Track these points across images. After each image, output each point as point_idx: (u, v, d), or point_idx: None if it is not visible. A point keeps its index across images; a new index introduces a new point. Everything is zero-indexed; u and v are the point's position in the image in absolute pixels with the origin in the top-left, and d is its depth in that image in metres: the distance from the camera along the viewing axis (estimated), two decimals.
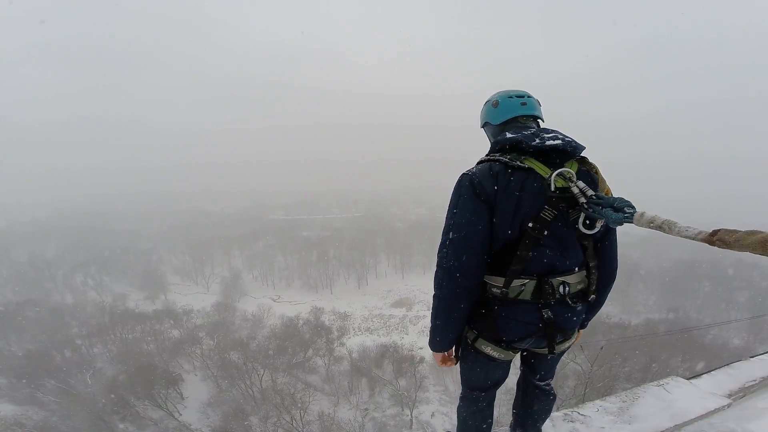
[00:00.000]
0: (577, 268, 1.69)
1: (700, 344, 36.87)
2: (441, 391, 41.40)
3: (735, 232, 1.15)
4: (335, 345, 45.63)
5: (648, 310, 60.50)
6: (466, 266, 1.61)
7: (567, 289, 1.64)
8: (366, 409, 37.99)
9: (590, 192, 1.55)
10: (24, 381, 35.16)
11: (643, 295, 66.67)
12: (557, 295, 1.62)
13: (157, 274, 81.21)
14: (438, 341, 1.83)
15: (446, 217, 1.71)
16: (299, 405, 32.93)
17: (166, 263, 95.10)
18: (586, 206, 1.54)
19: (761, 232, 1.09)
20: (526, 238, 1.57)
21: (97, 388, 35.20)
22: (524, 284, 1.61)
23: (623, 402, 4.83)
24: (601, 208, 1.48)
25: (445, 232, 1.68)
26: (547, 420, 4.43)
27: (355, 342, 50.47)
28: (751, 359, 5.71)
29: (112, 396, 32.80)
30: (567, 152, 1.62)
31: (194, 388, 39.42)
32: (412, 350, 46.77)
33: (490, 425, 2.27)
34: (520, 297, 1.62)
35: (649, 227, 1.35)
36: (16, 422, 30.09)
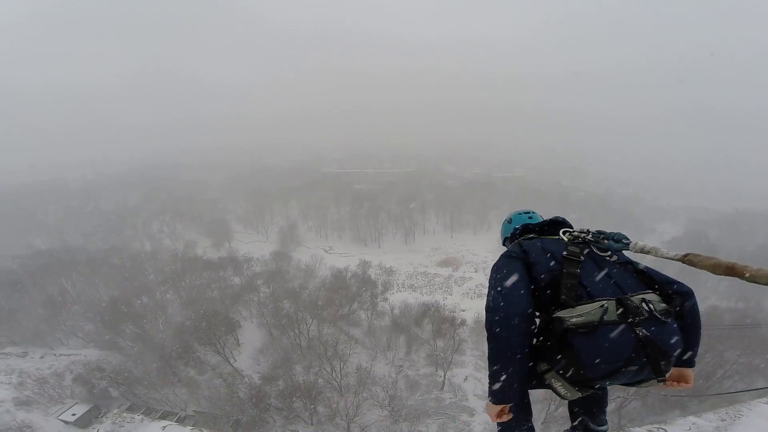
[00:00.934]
0: (644, 289, 1.79)
1: (763, 340, 32.61)
2: (478, 356, 41.59)
3: (698, 255, 1.57)
4: (379, 300, 47.07)
5: (716, 296, 55.25)
6: (518, 310, 1.82)
7: (651, 305, 1.65)
8: (401, 366, 39.46)
9: (592, 232, 2.10)
10: (108, 327, 39.85)
11: (713, 279, 57.76)
12: (644, 313, 1.62)
13: (222, 222, 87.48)
14: (504, 390, 1.83)
15: (490, 282, 2.03)
16: (340, 357, 35.17)
17: (230, 212, 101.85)
18: (593, 241, 2.04)
19: (716, 259, 1.50)
20: (565, 268, 1.85)
21: (168, 334, 39.47)
22: (603, 305, 1.65)
23: (722, 421, 3.86)
24: (605, 241, 1.99)
25: (493, 287, 1.97)
26: None
27: (397, 298, 51.68)
28: None
29: (179, 342, 36.60)
30: (558, 223, 2.39)
31: (250, 334, 43.54)
32: (453, 311, 46.97)
33: None
34: (606, 318, 1.61)
35: (642, 252, 1.86)
36: (97, 367, 34.67)
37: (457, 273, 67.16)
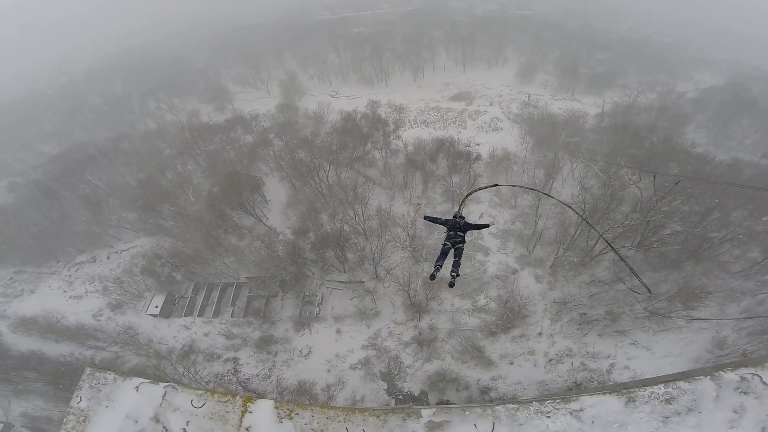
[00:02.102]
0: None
1: None
2: (493, 192, 42.49)
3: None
4: (392, 138, 46.82)
5: (741, 149, 51.11)
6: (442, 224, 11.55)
7: (458, 224, 11.07)
8: (418, 204, 41.38)
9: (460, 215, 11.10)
10: (146, 211, 41.36)
11: (744, 131, 55.53)
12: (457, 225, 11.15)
13: (219, 87, 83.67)
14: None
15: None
16: (360, 200, 37.05)
17: (223, 76, 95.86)
18: (460, 217, 11.13)
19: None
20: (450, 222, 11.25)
21: (200, 205, 41.26)
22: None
23: None
24: (461, 218, 11.06)
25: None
26: (714, 382, 3.83)
27: (410, 135, 50.98)
28: None
29: (213, 211, 38.47)
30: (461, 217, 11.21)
31: (274, 189, 45.63)
32: (468, 146, 46.42)
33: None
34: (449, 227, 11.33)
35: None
36: (154, 255, 37.25)
37: (471, 107, 63.98)
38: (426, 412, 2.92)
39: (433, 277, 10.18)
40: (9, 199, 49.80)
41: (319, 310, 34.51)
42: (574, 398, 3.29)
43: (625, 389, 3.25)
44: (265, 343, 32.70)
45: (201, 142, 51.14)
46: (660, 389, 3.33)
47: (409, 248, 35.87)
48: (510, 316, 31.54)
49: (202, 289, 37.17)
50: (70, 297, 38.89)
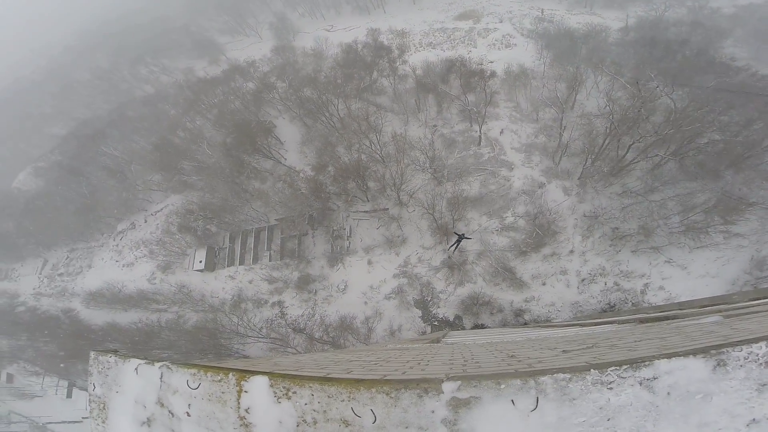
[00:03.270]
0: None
1: None
2: (512, 108, 40.58)
3: None
4: (398, 64, 44.81)
5: None
6: None
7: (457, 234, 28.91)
8: (434, 126, 39.85)
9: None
10: (169, 171, 41.99)
11: None
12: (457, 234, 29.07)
13: (207, 40, 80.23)
14: None
15: None
16: (374, 128, 35.77)
17: (208, 29, 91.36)
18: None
19: None
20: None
21: (218, 156, 41.03)
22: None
23: None
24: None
25: None
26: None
27: (417, 59, 48.38)
28: None
29: (231, 159, 38.42)
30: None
31: (287, 130, 44.50)
32: (481, 64, 43.85)
33: None
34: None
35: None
36: (187, 210, 37.90)
37: (479, 25, 59.54)
38: (448, 387, 2.28)
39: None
40: (39, 183, 52.16)
41: (349, 243, 34.72)
42: (647, 363, 2.38)
43: (713, 350, 2.35)
44: (304, 283, 33.51)
45: (204, 97, 50.21)
46: (761, 349, 2.31)
47: (429, 170, 34.96)
48: (540, 233, 30.88)
49: (237, 237, 38.02)
50: (123, 266, 41.27)
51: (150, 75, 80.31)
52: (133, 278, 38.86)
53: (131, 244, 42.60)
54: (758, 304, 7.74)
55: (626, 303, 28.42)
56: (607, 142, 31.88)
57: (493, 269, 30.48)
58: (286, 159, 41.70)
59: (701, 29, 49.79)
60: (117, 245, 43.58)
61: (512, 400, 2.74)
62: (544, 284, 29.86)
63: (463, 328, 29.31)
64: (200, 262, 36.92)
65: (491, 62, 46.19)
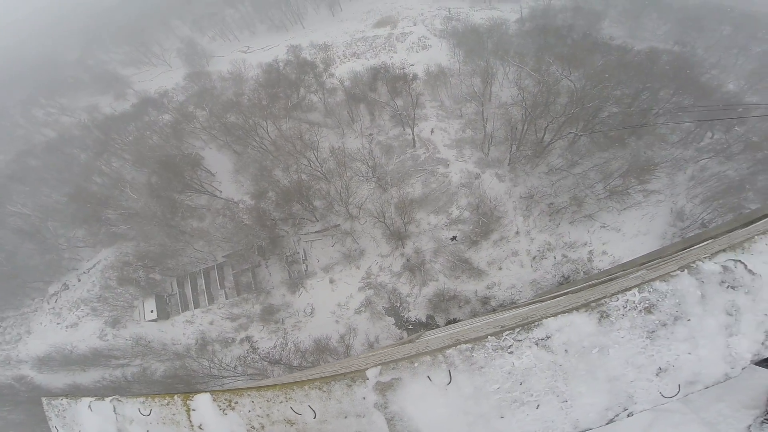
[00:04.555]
0: None
1: (694, 81, 33.86)
2: (437, 107, 42.43)
3: None
4: (325, 78, 44.76)
5: (655, 39, 54.72)
6: None
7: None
8: (370, 135, 40.54)
9: None
10: (91, 224, 38.24)
11: (654, 23, 58.79)
12: None
13: (107, 73, 73.43)
14: None
15: None
16: (310, 145, 35.51)
17: (108, 62, 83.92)
18: None
19: None
20: None
21: (145, 198, 37.97)
22: None
23: None
24: None
25: None
26: (694, 277, 3.28)
27: (343, 70, 48.94)
28: None
29: (161, 201, 35.86)
30: None
31: (216, 161, 42.31)
32: (403, 68, 45.46)
33: None
34: None
35: None
36: (122, 263, 35.10)
37: (397, 30, 61.93)
38: (371, 373, 2.59)
39: None
40: None
41: (306, 266, 34.07)
42: (536, 323, 2.82)
43: (593, 303, 2.84)
44: (269, 314, 32.46)
45: (116, 136, 46.41)
46: (634, 295, 2.79)
47: (373, 179, 35.41)
48: (485, 221, 32.67)
49: (185, 281, 35.88)
50: (67, 327, 38.08)
51: (48, 117, 72.06)
52: (82, 338, 36.17)
53: (69, 304, 39.27)
54: (676, 255, 8.82)
55: (578, 273, 30.75)
56: (525, 127, 34.72)
57: (450, 263, 31.66)
58: (221, 192, 39.62)
59: (582, 13, 55.98)
60: (53, 308, 39.86)
61: (428, 377, 3.06)
62: (500, 269, 31.60)
63: (438, 326, 29.89)
64: (151, 311, 34.88)
65: (412, 65, 48.01)
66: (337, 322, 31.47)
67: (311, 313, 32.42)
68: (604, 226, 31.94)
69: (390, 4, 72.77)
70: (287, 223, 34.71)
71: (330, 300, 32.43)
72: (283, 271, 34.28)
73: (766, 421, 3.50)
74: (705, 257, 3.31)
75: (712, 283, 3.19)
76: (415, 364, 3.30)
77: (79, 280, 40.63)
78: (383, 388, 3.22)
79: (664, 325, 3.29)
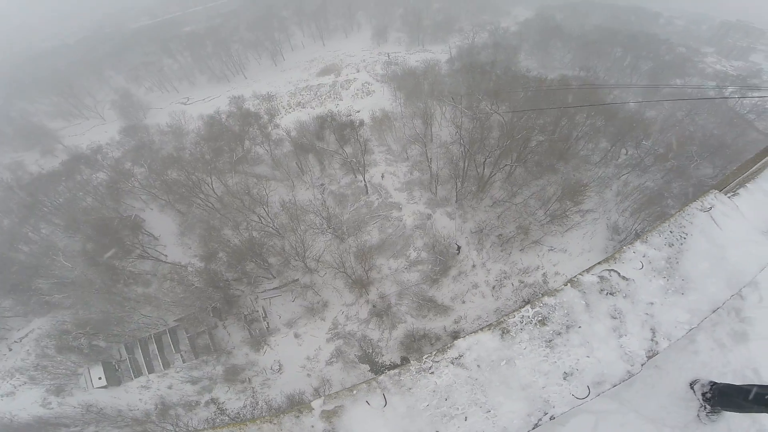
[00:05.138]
0: None
1: (603, 103, 37.59)
2: (385, 151, 43.83)
3: None
4: (270, 129, 44.31)
5: (563, 67, 62.56)
6: None
7: None
8: (322, 185, 40.50)
9: None
10: (20, 294, 34.64)
11: (560, 53, 67.88)
12: None
13: (34, 126, 67.89)
14: None
15: None
16: (259, 201, 34.67)
17: (34, 113, 78.11)
18: None
19: None
20: None
21: (80, 266, 34.81)
22: None
23: (670, 246, 3.94)
24: None
25: None
26: (576, 289, 3.73)
27: (289, 120, 49.10)
28: None
29: (98, 267, 33.16)
30: None
31: (159, 222, 40.00)
32: (350, 115, 46.66)
33: None
34: None
35: None
36: (60, 331, 32.03)
37: (341, 78, 64.32)
38: (316, 403, 2.94)
39: None
40: None
41: (267, 323, 32.58)
42: (449, 346, 3.40)
43: (494, 323, 3.45)
44: (233, 374, 30.49)
45: (45, 198, 42.26)
46: (528, 311, 3.44)
47: (329, 230, 35.18)
48: (442, 259, 33.61)
49: (134, 346, 32.81)
50: (2, 396, 33.51)
51: None
52: (22, 406, 32.04)
53: (1, 374, 34.90)
54: None
55: (537, 296, 32.13)
56: (466, 164, 36.83)
57: (416, 304, 31.93)
58: (167, 256, 37.21)
59: (501, 49, 61.88)
60: None
61: (367, 401, 3.31)
62: (464, 302, 32.34)
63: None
64: (99, 378, 31.68)
65: (358, 111, 49.57)
66: (308, 375, 30.20)
67: (279, 369, 30.87)
68: (552, 249, 34.06)
69: (332, 53, 75.74)
70: (242, 283, 33.24)
71: (298, 354, 31.21)
72: (243, 330, 32.54)
73: (711, 413, 3.80)
74: (584, 271, 3.82)
75: (593, 292, 3.65)
76: (354, 392, 3.57)
77: (11, 350, 36.26)
78: (329, 415, 3.46)
79: (559, 333, 3.67)
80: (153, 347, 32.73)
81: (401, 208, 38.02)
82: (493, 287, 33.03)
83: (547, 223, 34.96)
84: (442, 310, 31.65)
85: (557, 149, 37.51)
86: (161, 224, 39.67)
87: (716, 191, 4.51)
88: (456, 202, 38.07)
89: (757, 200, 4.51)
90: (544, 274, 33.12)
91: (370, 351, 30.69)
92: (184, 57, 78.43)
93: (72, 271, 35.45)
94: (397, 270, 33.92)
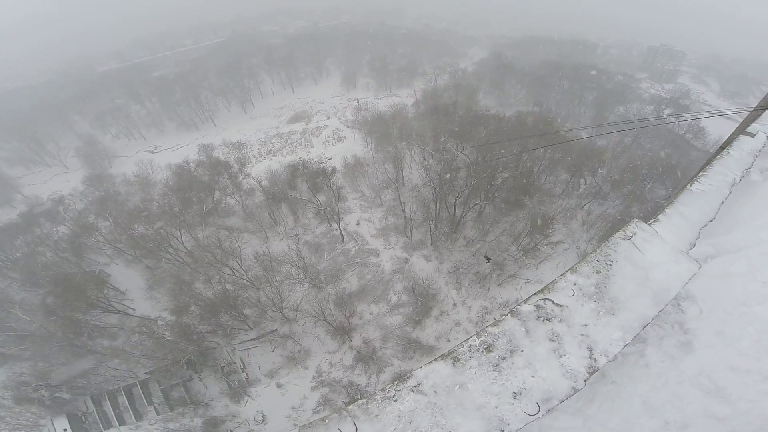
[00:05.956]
0: None
1: (558, 134, 41.52)
2: (359, 198, 44.36)
3: None
4: (240, 178, 43.82)
5: (519, 103, 67.36)
6: None
7: None
8: (296, 235, 40.23)
9: None
10: None
11: (515, 89, 72.96)
12: None
13: None
14: None
15: None
16: (231, 254, 34.00)
17: None
18: None
19: None
20: None
21: (40, 319, 32.87)
22: None
23: (598, 273, 4.42)
24: None
25: None
26: (516, 318, 4.18)
27: (260, 169, 49.12)
28: (692, 189, 5.62)
29: (59, 321, 31.28)
30: None
31: (125, 277, 38.36)
32: (321, 162, 47.31)
33: None
34: None
35: None
36: (17, 382, 29.70)
37: (311, 125, 65.50)
38: None
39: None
40: None
41: (247, 375, 31.15)
42: (408, 375, 4.05)
43: (446, 354, 4.10)
44: (213, 426, 28.67)
45: (0, 252, 40.21)
46: (475, 341, 4.15)
47: (305, 280, 34.88)
48: (423, 300, 33.98)
49: (102, 398, 30.37)
50: None
51: None
52: None
53: None
54: None
55: (481, 327, 32.89)
56: (437, 205, 38.10)
57: (401, 346, 31.75)
58: (134, 309, 35.57)
59: (462, 89, 65.93)
60: None
61: (339, 429, 3.65)
62: (449, 341, 32.43)
63: None
64: (65, 430, 29.19)
65: (330, 158, 50.51)
66: (295, 425, 28.80)
67: (263, 420, 29.28)
68: (528, 281, 35.08)
69: (302, 100, 77.63)
70: (217, 335, 32.00)
71: (281, 404, 29.87)
72: (221, 381, 30.99)
73: None
74: (522, 301, 4.36)
75: (531, 319, 4.17)
76: (327, 421, 3.91)
77: None
78: None
79: (504, 358, 4.19)
80: (123, 399, 30.73)
81: (379, 254, 38.47)
82: (476, 323, 33.50)
83: (521, 257, 36.29)
84: (428, 350, 31.62)
85: (521, 185, 39.39)
86: (128, 279, 38.06)
87: (637, 220, 5.25)
88: (431, 244, 39.02)
89: (675, 223, 5.17)
90: None
91: (358, 397, 29.86)
92: (153, 103, 78.01)
93: (30, 323, 33.57)
94: (379, 314, 33.91)
